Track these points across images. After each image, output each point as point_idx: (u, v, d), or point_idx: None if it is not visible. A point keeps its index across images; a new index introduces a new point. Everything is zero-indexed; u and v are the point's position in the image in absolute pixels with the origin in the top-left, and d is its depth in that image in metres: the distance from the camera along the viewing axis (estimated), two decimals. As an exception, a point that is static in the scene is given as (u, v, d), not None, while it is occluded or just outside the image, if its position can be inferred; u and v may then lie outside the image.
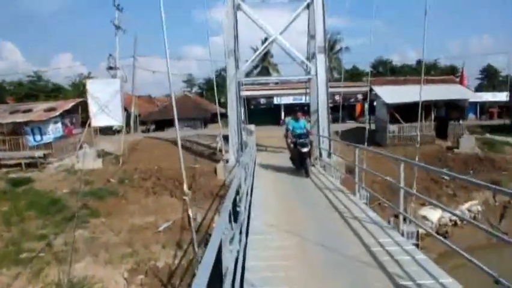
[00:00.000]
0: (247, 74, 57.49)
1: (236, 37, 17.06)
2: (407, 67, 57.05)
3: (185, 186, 6.26)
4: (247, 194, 7.67)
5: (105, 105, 18.77)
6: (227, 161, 15.81)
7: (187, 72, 68.38)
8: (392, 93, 20.82)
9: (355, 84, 38.33)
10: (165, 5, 5.78)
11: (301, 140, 10.28)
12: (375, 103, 24.29)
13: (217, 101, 25.25)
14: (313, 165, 12.73)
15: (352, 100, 36.33)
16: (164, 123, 39.98)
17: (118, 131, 37.49)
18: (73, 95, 27.30)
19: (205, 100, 50.35)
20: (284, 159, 15.67)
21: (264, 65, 54.73)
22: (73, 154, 18.77)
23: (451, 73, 46.24)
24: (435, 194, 14.68)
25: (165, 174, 16.13)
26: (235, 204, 4.77)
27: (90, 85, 19.05)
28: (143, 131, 40.71)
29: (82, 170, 17.56)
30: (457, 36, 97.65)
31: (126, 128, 40.39)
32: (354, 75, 51.98)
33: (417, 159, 9.08)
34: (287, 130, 11.11)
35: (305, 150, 10.24)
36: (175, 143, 23.54)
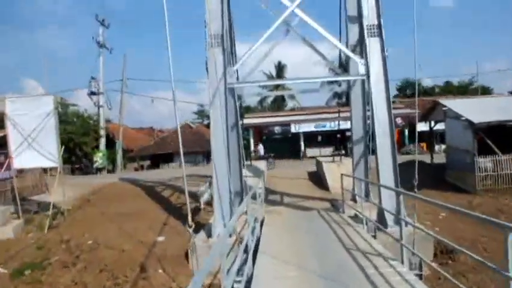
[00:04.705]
0: (260, 102, 51.26)
1: (229, 20, 10.38)
2: (437, 87, 50.28)
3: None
4: None
5: (32, 137, 12.08)
6: (209, 235, 8.57)
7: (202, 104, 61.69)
8: (478, 109, 13.37)
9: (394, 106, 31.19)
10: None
11: None
12: (442, 126, 16.79)
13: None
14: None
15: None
16: (159, 159, 33.44)
17: (100, 169, 30.89)
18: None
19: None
20: (319, 229, 7.93)
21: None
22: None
23: (484, 93, 41.60)
24: None
25: (100, 258, 8.98)
26: None
27: (10, 105, 12.34)
28: (136, 169, 34.05)
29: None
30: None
31: (112, 164, 33.98)
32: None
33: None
34: None
35: None
36: (152, 190, 16.57)
